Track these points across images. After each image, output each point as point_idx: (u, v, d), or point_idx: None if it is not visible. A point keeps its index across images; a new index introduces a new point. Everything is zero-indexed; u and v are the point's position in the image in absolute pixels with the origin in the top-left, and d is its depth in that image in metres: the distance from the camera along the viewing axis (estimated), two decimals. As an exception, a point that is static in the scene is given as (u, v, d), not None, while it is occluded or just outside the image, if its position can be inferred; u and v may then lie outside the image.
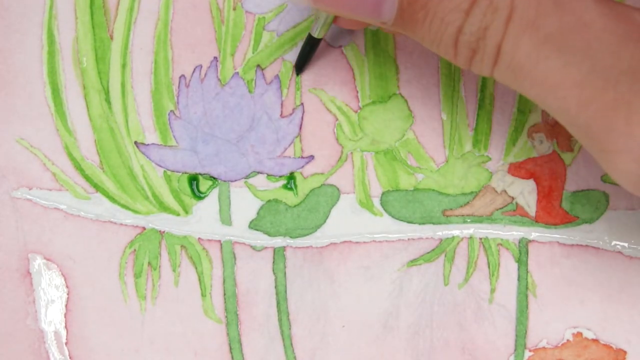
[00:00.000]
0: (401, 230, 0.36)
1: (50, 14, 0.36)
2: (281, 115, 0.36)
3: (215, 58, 0.36)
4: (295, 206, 0.36)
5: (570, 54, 0.26)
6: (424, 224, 0.36)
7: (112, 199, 0.36)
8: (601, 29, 0.26)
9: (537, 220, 0.36)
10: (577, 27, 0.26)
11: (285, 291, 0.36)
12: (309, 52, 0.35)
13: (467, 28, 0.27)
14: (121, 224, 0.36)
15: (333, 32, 0.36)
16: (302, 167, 0.36)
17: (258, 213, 0.36)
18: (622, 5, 0.27)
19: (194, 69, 0.36)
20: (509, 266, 0.36)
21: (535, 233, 0.36)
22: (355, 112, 0.36)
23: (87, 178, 0.36)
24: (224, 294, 0.36)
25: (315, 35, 0.34)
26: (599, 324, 0.35)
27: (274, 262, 0.36)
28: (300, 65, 0.36)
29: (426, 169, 0.36)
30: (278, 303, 0.36)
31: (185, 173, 0.36)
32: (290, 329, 0.36)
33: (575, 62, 0.26)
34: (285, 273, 0.36)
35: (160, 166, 0.36)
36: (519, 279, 0.36)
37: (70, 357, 0.35)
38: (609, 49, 0.26)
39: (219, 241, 0.36)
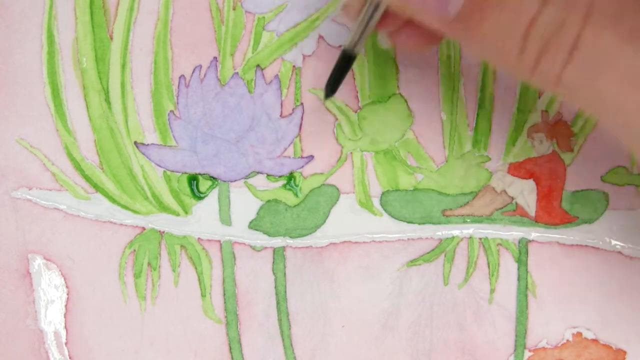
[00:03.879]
0: (401, 230, 0.36)
1: (50, 14, 0.36)
2: (281, 115, 0.36)
3: (215, 58, 0.36)
4: (295, 206, 0.36)
5: None
6: (423, 224, 0.36)
7: (112, 199, 0.36)
8: None
9: (536, 220, 0.36)
10: None
11: (285, 291, 0.36)
12: (342, 72, 0.32)
13: (542, 18, 0.25)
14: (121, 224, 0.36)
15: (333, 32, 0.36)
16: (302, 167, 0.36)
17: (258, 213, 0.36)
18: None
19: (194, 69, 0.36)
20: (508, 266, 0.36)
21: (535, 233, 0.36)
22: (355, 112, 0.36)
23: (87, 178, 0.36)
24: (224, 294, 0.36)
25: (349, 47, 0.30)
26: (598, 324, 0.35)
27: (273, 262, 0.36)
28: (333, 87, 0.32)
29: (426, 169, 0.36)
30: (278, 303, 0.36)
31: (185, 173, 0.36)
32: (290, 328, 0.36)
33: None
34: (285, 273, 0.36)
35: (160, 166, 0.36)
36: (518, 279, 0.36)
37: (70, 357, 0.35)
38: None
39: (219, 241, 0.36)
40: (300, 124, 0.36)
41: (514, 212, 0.36)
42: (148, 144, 0.36)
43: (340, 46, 0.36)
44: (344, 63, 0.31)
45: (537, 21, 0.26)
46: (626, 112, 0.26)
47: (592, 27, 0.25)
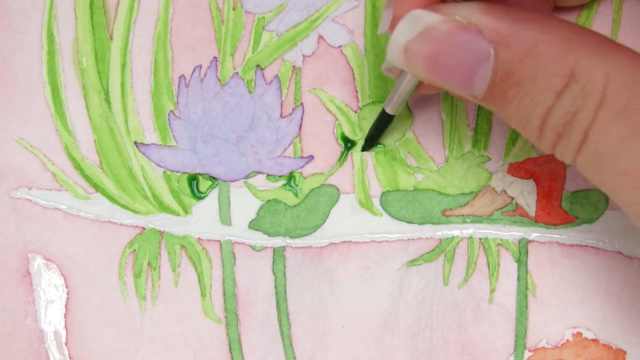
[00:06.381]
0: (401, 230, 0.36)
1: (50, 14, 0.36)
2: (281, 115, 0.36)
3: (215, 58, 0.36)
4: (295, 206, 0.36)
5: None
6: (423, 224, 0.36)
7: (112, 199, 0.36)
8: None
9: (536, 221, 0.36)
10: None
11: (285, 291, 0.36)
12: (381, 130, 0.35)
13: (556, 110, 0.26)
14: (121, 224, 0.36)
15: (333, 32, 0.36)
16: (302, 167, 0.36)
17: (258, 213, 0.36)
18: None
19: (194, 69, 0.36)
20: (508, 266, 0.36)
21: (535, 233, 0.36)
22: (355, 112, 0.36)
23: (87, 178, 0.36)
24: (224, 294, 0.36)
25: (391, 112, 0.33)
26: (598, 324, 0.35)
27: (273, 262, 0.36)
28: (371, 143, 0.35)
29: (426, 169, 0.36)
30: (278, 303, 0.36)
31: (185, 173, 0.36)
32: (289, 329, 0.36)
33: None
34: (284, 273, 0.36)
35: (160, 166, 0.36)
36: (518, 279, 0.36)
37: (70, 357, 0.35)
38: None
39: (219, 241, 0.36)
40: (300, 124, 0.36)
41: (514, 212, 0.36)
42: (148, 144, 0.36)
43: (340, 46, 0.36)
44: (383, 122, 0.34)
45: (552, 112, 0.26)
46: (626, 205, 0.27)
47: (601, 119, 0.26)
